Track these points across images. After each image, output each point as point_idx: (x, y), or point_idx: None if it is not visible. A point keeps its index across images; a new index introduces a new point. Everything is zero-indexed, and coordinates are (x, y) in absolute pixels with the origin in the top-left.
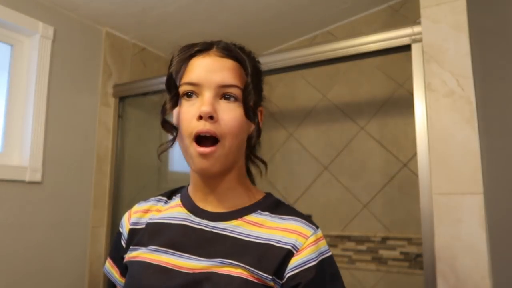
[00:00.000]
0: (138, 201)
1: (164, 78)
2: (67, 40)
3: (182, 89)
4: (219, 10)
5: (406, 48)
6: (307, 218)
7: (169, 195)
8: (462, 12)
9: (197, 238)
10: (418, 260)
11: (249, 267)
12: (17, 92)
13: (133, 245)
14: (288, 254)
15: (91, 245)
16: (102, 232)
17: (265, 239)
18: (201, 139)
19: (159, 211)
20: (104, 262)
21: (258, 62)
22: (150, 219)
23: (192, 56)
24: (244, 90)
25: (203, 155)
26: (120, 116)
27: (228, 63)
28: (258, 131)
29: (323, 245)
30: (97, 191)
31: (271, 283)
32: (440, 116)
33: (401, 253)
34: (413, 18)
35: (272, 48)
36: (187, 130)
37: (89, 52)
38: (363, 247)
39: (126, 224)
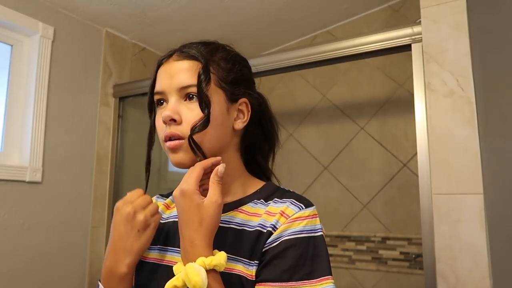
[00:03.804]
0: None
1: None
2: (67, 40)
3: (155, 98)
4: (219, 11)
5: (406, 48)
6: (298, 198)
7: (167, 196)
8: (462, 12)
9: None
10: (418, 260)
11: (246, 261)
12: (17, 92)
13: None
14: (269, 235)
15: (91, 245)
16: (102, 232)
17: (255, 226)
18: None
19: (167, 207)
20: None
21: (234, 53)
22: (162, 218)
23: (159, 66)
24: (198, 83)
25: (172, 149)
26: (120, 116)
27: (184, 64)
28: (206, 121)
29: (311, 223)
30: (97, 191)
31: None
32: (440, 116)
33: (401, 253)
34: (413, 18)
35: (272, 48)
36: (159, 134)
37: (89, 52)
38: (363, 247)
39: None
